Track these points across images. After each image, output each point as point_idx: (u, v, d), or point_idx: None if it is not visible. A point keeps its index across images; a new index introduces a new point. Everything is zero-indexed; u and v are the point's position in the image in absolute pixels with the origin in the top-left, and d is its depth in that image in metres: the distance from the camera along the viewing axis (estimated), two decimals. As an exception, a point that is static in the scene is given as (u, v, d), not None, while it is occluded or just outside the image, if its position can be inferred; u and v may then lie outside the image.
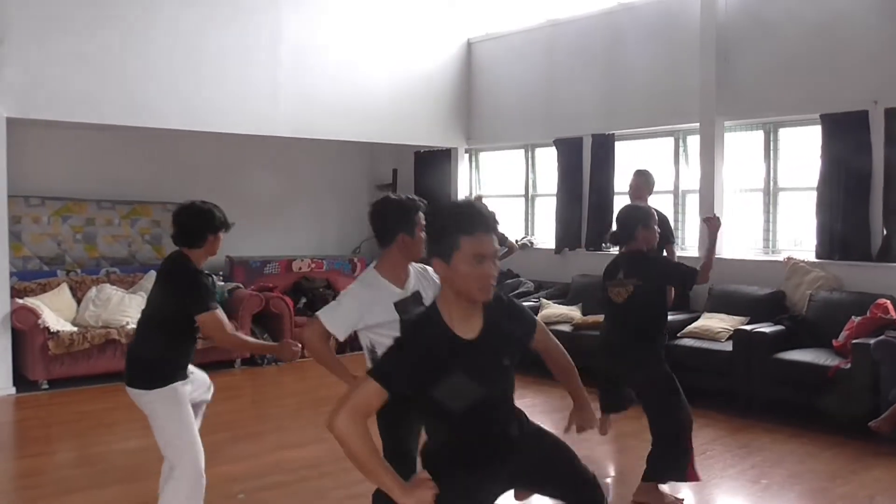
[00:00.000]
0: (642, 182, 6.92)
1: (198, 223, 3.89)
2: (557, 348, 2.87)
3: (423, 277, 3.49)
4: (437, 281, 2.98)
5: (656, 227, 4.99)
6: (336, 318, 3.42)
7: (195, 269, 3.89)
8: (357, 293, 3.44)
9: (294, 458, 5.49)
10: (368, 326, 3.40)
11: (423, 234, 3.22)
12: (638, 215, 4.95)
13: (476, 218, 2.41)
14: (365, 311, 3.37)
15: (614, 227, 5.10)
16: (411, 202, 3.44)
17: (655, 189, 8.33)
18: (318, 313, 3.45)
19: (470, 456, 2.54)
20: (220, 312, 3.88)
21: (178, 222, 3.90)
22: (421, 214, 3.34)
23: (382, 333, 3.33)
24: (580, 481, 2.73)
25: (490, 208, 2.48)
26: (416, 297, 3.42)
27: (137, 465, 5.07)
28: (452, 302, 2.45)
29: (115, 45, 7.72)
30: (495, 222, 2.45)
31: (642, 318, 4.80)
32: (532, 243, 9.59)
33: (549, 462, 2.72)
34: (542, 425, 2.80)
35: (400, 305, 3.36)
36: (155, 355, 3.86)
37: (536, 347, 2.80)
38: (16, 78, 7.21)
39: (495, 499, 2.65)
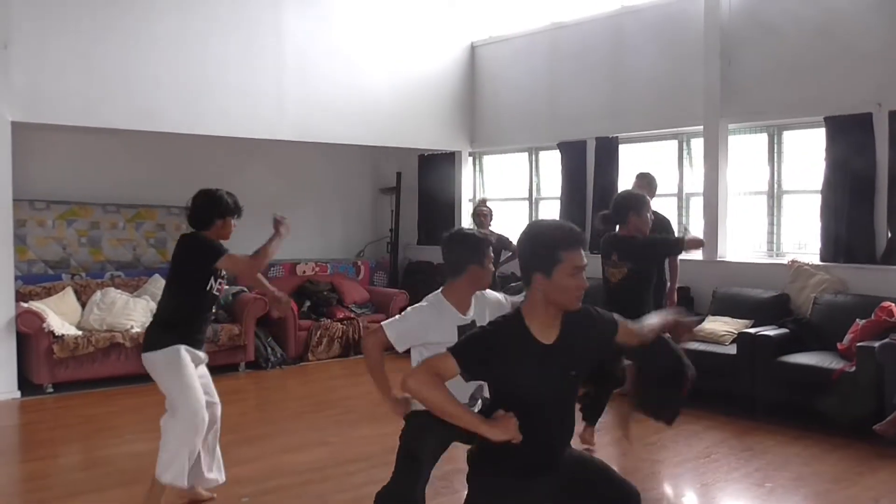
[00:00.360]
0: (644, 185, 6.94)
1: (207, 207, 4.40)
2: (646, 336, 3.07)
3: (481, 299, 3.64)
4: (494, 299, 3.66)
5: (649, 215, 5.33)
6: (401, 332, 3.55)
7: (206, 237, 4.39)
8: (425, 312, 3.56)
9: (297, 462, 5.50)
10: (427, 344, 3.51)
11: (491, 266, 3.55)
12: (630, 202, 5.27)
13: (575, 235, 2.69)
14: (429, 330, 3.50)
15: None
16: (483, 236, 3.65)
17: (659, 192, 8.35)
18: (383, 324, 3.57)
19: (522, 462, 2.68)
20: (235, 254, 4.37)
21: (191, 206, 4.47)
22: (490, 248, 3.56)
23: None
24: (624, 495, 2.86)
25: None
26: (474, 325, 3.51)
27: (143, 469, 5.06)
28: (539, 310, 2.66)
29: (120, 49, 7.74)
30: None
31: (635, 299, 5.04)
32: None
33: (593, 478, 2.86)
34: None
35: (461, 331, 3.46)
36: (166, 318, 4.37)
37: (625, 342, 2.99)
38: (21, 82, 7.24)
39: None
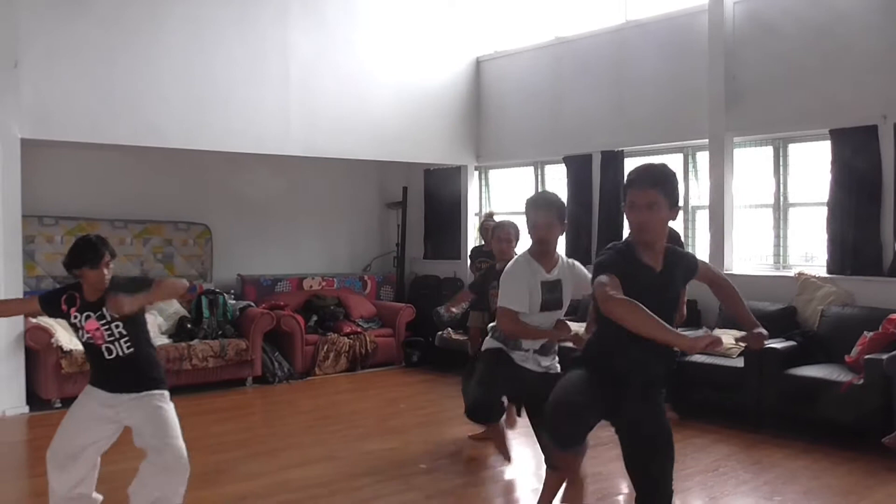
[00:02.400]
0: None
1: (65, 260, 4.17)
2: (722, 278, 3.55)
3: (570, 270, 4.31)
4: (582, 273, 4.36)
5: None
6: (514, 298, 4.14)
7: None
8: (516, 272, 4.21)
9: (304, 477, 5.49)
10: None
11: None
12: None
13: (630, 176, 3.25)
14: (527, 282, 4.15)
15: None
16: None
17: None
18: (500, 304, 4.20)
19: (610, 369, 3.11)
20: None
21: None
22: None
23: None
24: (652, 478, 3.16)
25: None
26: (558, 283, 4.20)
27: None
28: (645, 244, 3.07)
29: (128, 66, 7.80)
30: None
31: None
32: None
33: (648, 441, 3.18)
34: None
35: (546, 284, 4.14)
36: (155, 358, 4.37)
37: (703, 280, 3.46)
38: (30, 99, 7.29)
39: (598, 414, 3.20)
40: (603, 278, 2.93)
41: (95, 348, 4.14)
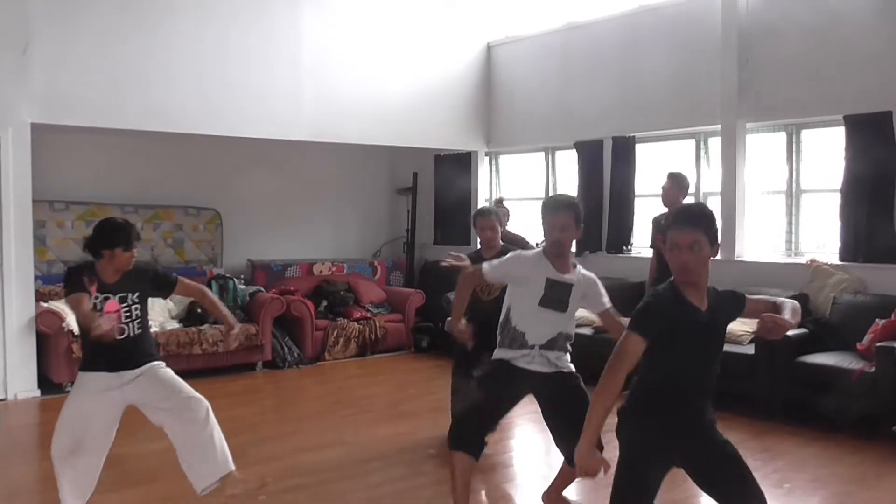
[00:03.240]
0: (674, 185, 6.94)
1: (92, 239, 4.17)
2: (767, 304, 3.38)
3: (586, 281, 4.13)
4: (598, 291, 4.15)
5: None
6: (496, 268, 4.14)
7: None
8: (524, 257, 4.18)
9: (315, 461, 5.51)
10: (516, 281, 4.11)
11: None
12: None
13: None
14: (521, 270, 4.07)
15: None
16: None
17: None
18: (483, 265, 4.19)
19: (665, 420, 3.04)
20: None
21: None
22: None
23: (523, 294, 4.06)
24: (749, 494, 3.17)
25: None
26: (568, 287, 4.05)
27: (159, 467, 5.11)
28: (689, 285, 3.01)
29: (139, 51, 7.79)
30: None
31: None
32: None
33: (726, 465, 3.17)
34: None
35: (551, 282, 4.01)
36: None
37: (751, 315, 3.34)
38: (41, 84, 7.30)
39: (663, 470, 3.08)
40: (633, 336, 2.92)
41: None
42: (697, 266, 3.00)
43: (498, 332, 4.16)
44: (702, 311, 3.02)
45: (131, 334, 4.18)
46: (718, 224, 8.10)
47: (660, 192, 7.08)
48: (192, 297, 4.57)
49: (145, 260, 8.85)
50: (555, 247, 4.06)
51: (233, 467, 4.33)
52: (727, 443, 3.22)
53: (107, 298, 4.12)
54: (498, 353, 4.14)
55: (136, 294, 4.19)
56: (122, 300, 4.15)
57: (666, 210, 7.02)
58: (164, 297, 4.19)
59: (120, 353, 4.19)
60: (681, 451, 3.10)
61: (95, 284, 4.11)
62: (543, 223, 4.13)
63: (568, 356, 4.20)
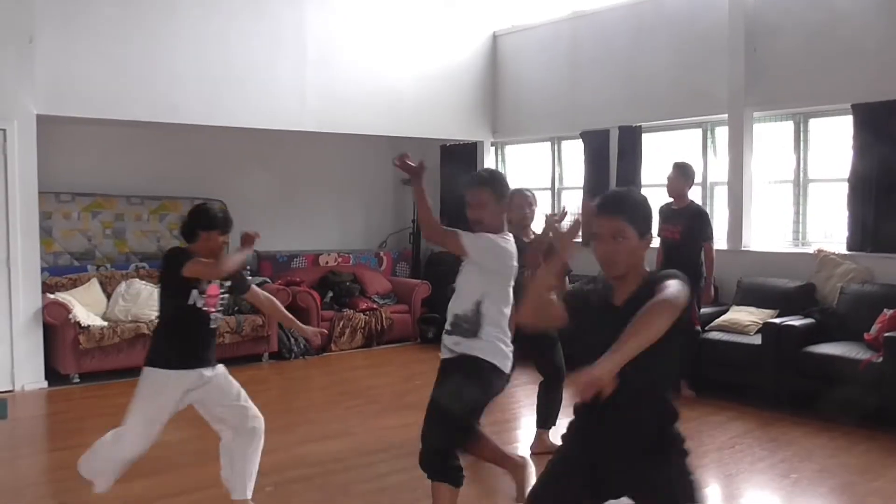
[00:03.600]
0: (680, 174, 6.94)
1: (191, 219, 4.12)
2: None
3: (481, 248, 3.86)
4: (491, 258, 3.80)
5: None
6: (471, 238, 3.80)
7: (182, 248, 4.14)
8: (500, 240, 3.86)
9: (320, 452, 5.52)
10: (483, 269, 3.80)
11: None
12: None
13: None
14: (492, 256, 3.82)
15: None
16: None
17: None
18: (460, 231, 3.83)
19: (575, 414, 2.75)
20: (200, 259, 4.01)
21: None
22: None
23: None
24: None
25: None
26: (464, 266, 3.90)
27: (165, 458, 5.11)
28: (615, 278, 2.70)
29: (144, 42, 7.78)
30: None
31: None
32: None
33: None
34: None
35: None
36: (163, 333, 4.25)
37: None
38: (46, 75, 7.30)
39: (586, 487, 2.65)
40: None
41: (203, 316, 4.05)
42: (620, 258, 2.64)
43: (461, 318, 3.88)
44: (614, 307, 2.63)
45: (218, 323, 4.14)
46: (725, 213, 8.11)
47: (665, 182, 7.06)
48: (261, 308, 4.43)
49: (151, 251, 8.90)
50: (473, 225, 3.87)
51: (248, 496, 4.22)
52: (672, 486, 2.61)
53: (209, 282, 4.05)
54: (458, 344, 3.87)
55: (228, 283, 4.15)
56: (221, 285, 4.10)
57: (672, 200, 7.01)
58: (237, 296, 4.13)
59: (209, 345, 4.12)
60: (602, 474, 2.63)
61: None
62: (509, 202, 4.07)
63: (473, 340, 3.77)
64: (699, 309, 6.93)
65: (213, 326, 4.10)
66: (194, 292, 3.99)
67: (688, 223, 6.88)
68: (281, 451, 5.51)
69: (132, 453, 4.09)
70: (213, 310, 4.07)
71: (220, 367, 4.20)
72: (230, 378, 4.23)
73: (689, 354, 6.99)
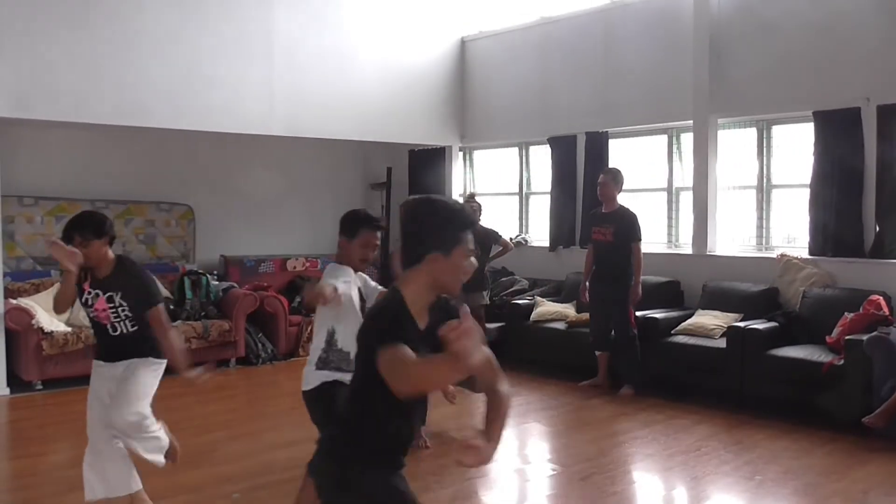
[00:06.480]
0: (610, 179, 7.32)
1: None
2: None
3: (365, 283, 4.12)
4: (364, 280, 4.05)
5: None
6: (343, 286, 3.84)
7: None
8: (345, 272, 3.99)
9: (289, 458, 5.47)
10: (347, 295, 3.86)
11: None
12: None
13: (470, 215, 2.61)
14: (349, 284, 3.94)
15: None
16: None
17: (649, 186, 8.43)
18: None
19: (396, 450, 2.58)
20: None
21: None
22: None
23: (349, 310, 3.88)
24: None
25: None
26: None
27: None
28: (423, 294, 2.49)
29: (109, 45, 7.69)
30: None
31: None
32: (526, 241, 9.61)
33: None
34: None
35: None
36: None
37: None
38: (8, 78, 7.18)
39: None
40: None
41: (100, 325, 4.18)
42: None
43: (322, 354, 3.93)
44: (420, 331, 2.50)
45: (125, 331, 4.14)
46: (690, 218, 8.24)
47: (631, 187, 7.25)
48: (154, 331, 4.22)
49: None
50: (366, 262, 4.06)
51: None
52: None
53: (97, 296, 4.09)
54: (333, 376, 3.89)
55: (120, 295, 4.10)
56: (109, 300, 4.10)
57: (602, 204, 7.43)
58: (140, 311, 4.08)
59: (116, 348, 4.20)
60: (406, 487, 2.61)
61: (89, 279, 4.08)
62: (358, 235, 4.00)
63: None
64: (633, 309, 7.21)
65: (114, 334, 4.16)
66: (82, 302, 4.14)
67: (619, 225, 7.22)
68: (248, 458, 5.48)
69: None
70: (106, 322, 4.13)
71: (134, 363, 4.19)
72: (141, 377, 4.20)
73: (632, 356, 7.14)
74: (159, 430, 4.32)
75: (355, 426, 2.54)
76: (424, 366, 2.27)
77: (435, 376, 2.31)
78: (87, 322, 7.58)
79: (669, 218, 8.40)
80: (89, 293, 4.10)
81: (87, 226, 4.04)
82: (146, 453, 4.25)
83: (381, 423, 2.50)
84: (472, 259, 2.55)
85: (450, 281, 2.51)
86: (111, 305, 4.10)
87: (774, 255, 7.46)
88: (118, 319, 4.13)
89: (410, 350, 2.29)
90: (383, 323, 2.41)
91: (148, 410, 4.21)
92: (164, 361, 4.25)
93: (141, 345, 4.19)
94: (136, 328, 4.16)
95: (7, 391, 7.32)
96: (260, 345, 8.80)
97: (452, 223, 2.51)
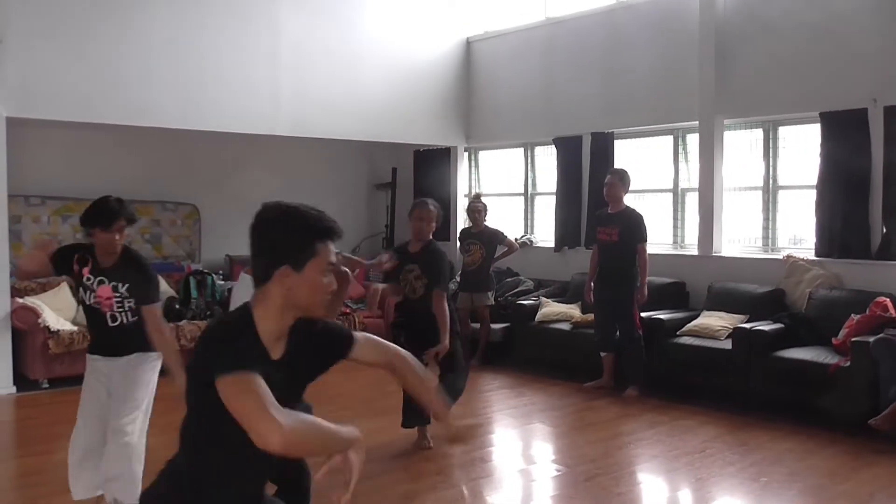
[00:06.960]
0: (616, 180, 7.23)
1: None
2: (397, 355, 2.60)
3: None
4: None
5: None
6: None
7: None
8: None
9: (294, 457, 5.48)
10: None
11: None
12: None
13: (332, 225, 2.20)
14: None
15: None
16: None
17: (655, 187, 8.41)
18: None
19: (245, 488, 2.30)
20: None
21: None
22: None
23: None
24: None
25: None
26: None
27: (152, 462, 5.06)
28: (275, 316, 2.16)
29: (115, 44, 7.71)
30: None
31: None
32: (531, 242, 9.61)
33: None
34: None
35: None
36: None
37: (364, 361, 2.52)
38: (15, 77, 7.21)
39: None
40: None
41: (100, 314, 4.12)
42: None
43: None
44: (274, 363, 2.24)
45: (124, 322, 4.12)
46: (696, 219, 8.24)
47: (636, 188, 7.23)
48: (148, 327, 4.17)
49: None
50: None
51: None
52: None
53: (101, 282, 4.07)
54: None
55: (126, 286, 4.09)
56: (115, 289, 4.08)
57: (608, 205, 7.39)
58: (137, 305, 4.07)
59: (112, 340, 4.16)
60: None
61: (90, 265, 4.05)
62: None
63: None
64: (638, 310, 7.19)
65: (113, 325, 4.13)
66: (81, 290, 4.12)
67: (624, 226, 7.19)
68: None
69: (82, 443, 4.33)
70: (107, 310, 4.10)
71: (136, 357, 4.17)
72: (143, 373, 4.19)
73: (637, 357, 7.13)
74: (140, 437, 4.20)
75: (191, 485, 2.19)
76: (307, 424, 2.06)
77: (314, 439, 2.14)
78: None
79: (675, 219, 8.39)
80: (88, 279, 4.06)
81: (114, 216, 4.08)
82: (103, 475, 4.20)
83: (221, 479, 2.17)
84: (345, 270, 2.25)
85: (306, 300, 2.15)
86: (116, 295, 4.09)
87: (781, 257, 7.44)
88: (121, 310, 4.11)
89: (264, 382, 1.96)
90: (229, 345, 2.05)
91: (145, 408, 4.20)
92: (160, 353, 4.21)
93: (137, 337, 4.16)
94: (135, 318, 4.14)
95: (13, 390, 7.33)
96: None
97: (305, 232, 2.14)
